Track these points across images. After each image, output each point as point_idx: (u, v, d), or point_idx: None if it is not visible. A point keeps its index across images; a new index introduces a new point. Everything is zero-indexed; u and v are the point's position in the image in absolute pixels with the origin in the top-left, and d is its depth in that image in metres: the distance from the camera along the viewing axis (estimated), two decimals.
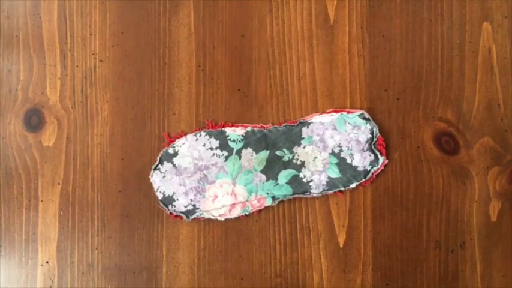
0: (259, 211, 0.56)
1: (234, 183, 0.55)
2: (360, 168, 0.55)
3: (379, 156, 0.55)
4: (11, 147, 0.58)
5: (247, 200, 0.55)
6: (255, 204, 0.56)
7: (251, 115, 0.57)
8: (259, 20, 0.58)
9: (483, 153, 0.56)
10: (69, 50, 0.58)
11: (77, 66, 0.58)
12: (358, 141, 0.55)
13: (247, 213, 0.56)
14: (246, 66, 0.57)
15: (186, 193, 0.55)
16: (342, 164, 0.55)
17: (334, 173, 0.55)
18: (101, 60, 0.58)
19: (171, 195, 0.56)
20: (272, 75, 0.57)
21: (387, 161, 0.56)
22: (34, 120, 0.58)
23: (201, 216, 0.56)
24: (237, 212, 0.56)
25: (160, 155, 0.56)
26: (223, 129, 0.56)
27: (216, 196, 0.55)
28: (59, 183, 0.57)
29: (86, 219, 0.57)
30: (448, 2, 0.57)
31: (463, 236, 0.56)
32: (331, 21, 0.57)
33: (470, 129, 0.56)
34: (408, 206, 0.56)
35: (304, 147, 0.56)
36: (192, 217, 0.56)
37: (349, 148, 0.55)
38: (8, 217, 0.57)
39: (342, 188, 0.55)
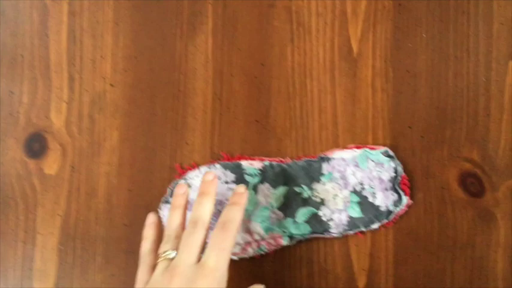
0: (275, 251, 0.53)
1: (249, 220, 0.52)
2: (383, 208, 0.52)
3: (403, 196, 0.52)
4: (10, 175, 0.53)
5: (263, 239, 0.52)
6: (271, 243, 0.52)
7: (269, 148, 0.54)
8: (280, 49, 0.55)
9: (509, 196, 0.54)
10: (78, 73, 0.55)
11: (85, 90, 0.54)
12: (381, 180, 0.53)
13: (262, 253, 0.52)
14: (265, 96, 0.55)
15: None
16: (364, 203, 0.52)
17: (356, 213, 0.52)
18: (111, 85, 0.54)
19: None
20: (292, 107, 0.55)
21: (411, 201, 0.53)
22: (36, 146, 0.54)
23: None
24: (252, 251, 0.52)
25: (171, 187, 0.52)
26: (239, 162, 0.53)
27: None
28: (59, 215, 0.53)
29: (87, 254, 0.53)
30: (474, 38, 0.55)
31: (486, 283, 0.53)
32: (355, 54, 0.55)
33: (497, 170, 0.54)
34: (432, 249, 0.53)
35: (324, 184, 0.53)
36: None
37: (372, 186, 0.53)
38: (4, 250, 0.53)
39: (363, 229, 0.52)
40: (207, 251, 0.41)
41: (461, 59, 0.55)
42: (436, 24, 0.55)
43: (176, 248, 0.42)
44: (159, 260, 0.42)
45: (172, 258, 0.41)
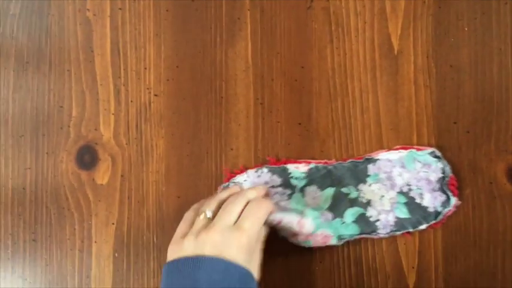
0: (323, 251, 0.53)
1: (301, 217, 0.51)
2: (431, 209, 0.52)
3: (451, 197, 0.52)
4: (63, 186, 0.55)
5: (311, 234, 0.52)
6: (318, 240, 0.52)
7: (312, 150, 0.55)
8: (319, 50, 0.55)
9: None
10: (123, 85, 0.56)
11: (131, 101, 0.56)
12: (428, 180, 0.52)
13: (306, 246, 0.52)
14: (306, 99, 0.55)
15: None
16: (411, 203, 0.52)
17: (403, 213, 0.52)
18: (155, 95, 0.56)
19: None
20: (334, 108, 0.55)
21: (459, 202, 0.52)
22: (87, 158, 0.56)
23: None
24: (298, 241, 0.52)
25: (220, 190, 0.54)
26: (285, 165, 0.54)
27: (280, 221, 0.51)
28: (113, 223, 0.55)
29: (141, 260, 0.54)
30: None
31: None
32: (395, 51, 0.55)
33: None
34: (481, 245, 0.53)
35: (370, 185, 0.53)
36: None
37: (419, 187, 0.52)
38: (60, 259, 0.55)
39: (411, 230, 0.52)
40: (243, 216, 0.45)
41: (506, 51, 0.54)
42: (478, 17, 0.54)
43: (215, 211, 0.46)
44: (198, 216, 0.46)
45: (209, 218, 0.46)
